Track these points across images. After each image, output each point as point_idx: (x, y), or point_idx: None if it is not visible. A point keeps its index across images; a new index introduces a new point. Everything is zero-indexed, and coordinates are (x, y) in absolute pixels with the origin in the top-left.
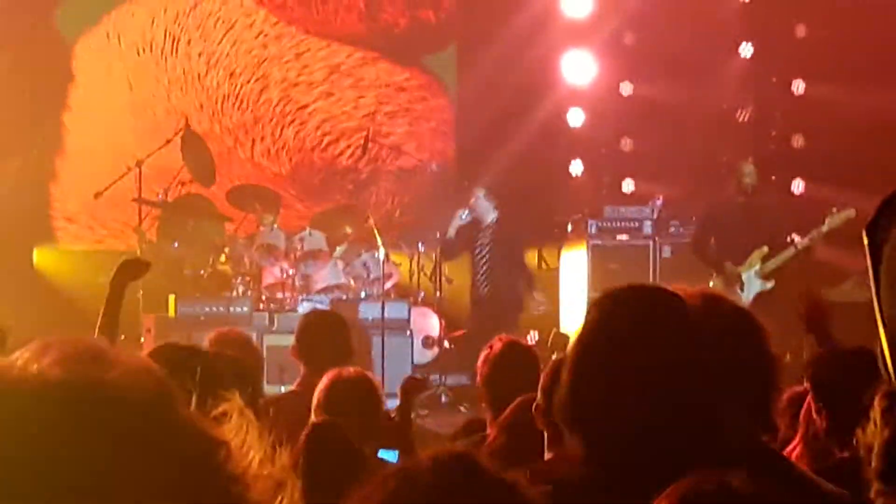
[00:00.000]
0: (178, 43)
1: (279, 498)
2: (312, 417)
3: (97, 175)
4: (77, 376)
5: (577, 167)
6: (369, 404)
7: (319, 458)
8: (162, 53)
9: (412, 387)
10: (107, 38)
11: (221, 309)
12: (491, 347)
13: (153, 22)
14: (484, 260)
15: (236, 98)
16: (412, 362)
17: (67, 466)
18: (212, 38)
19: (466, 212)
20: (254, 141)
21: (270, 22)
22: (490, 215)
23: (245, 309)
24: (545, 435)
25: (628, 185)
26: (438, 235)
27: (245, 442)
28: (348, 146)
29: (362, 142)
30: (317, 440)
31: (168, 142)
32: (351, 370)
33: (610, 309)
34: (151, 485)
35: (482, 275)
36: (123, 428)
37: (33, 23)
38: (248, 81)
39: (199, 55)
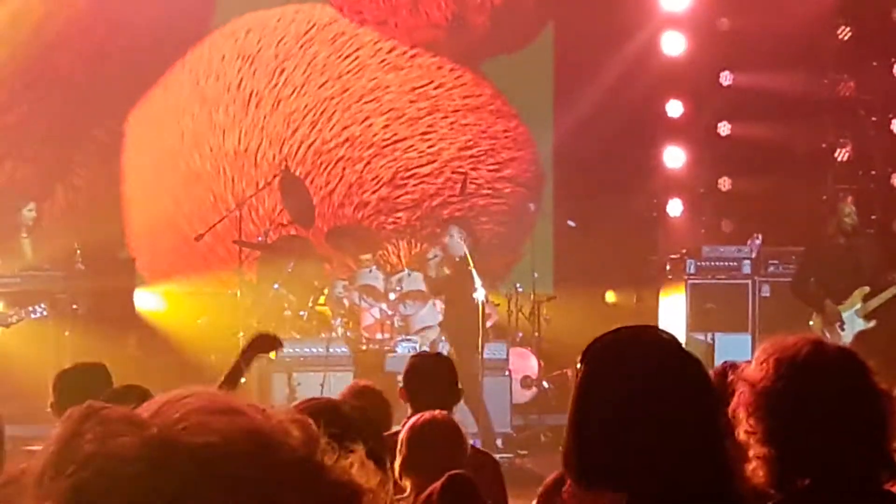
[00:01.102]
0: (279, 78)
1: None
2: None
3: (197, 217)
4: (240, 427)
5: (675, 207)
6: (453, 445)
7: None
8: (257, 94)
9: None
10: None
11: (321, 350)
12: None
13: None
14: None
15: (337, 135)
16: (511, 402)
17: None
18: (314, 76)
19: (438, 250)
20: (351, 180)
21: (376, 60)
22: (461, 251)
23: (344, 350)
24: None
25: (727, 225)
26: (536, 275)
27: (376, 490)
28: (444, 187)
29: (460, 184)
30: (453, 492)
31: (268, 184)
32: (435, 412)
33: (602, 354)
34: None
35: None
36: (285, 476)
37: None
38: (349, 120)
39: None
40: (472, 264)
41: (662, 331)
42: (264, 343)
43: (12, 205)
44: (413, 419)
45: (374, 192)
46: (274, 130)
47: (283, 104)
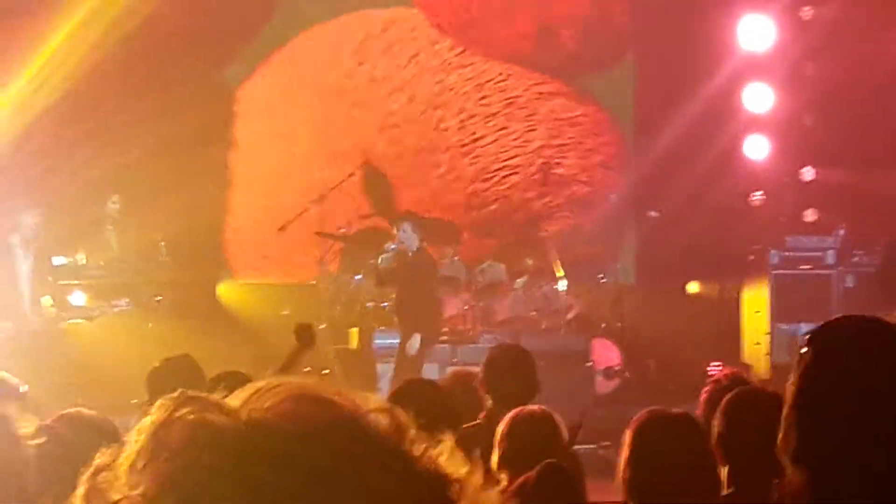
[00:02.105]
0: (360, 70)
1: None
2: (496, 450)
3: (279, 209)
4: (334, 414)
5: (757, 197)
6: (551, 440)
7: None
8: (341, 83)
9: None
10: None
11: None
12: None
13: (336, 50)
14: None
15: (415, 126)
16: (593, 393)
17: (330, 499)
18: (395, 65)
19: (394, 245)
20: (430, 169)
21: (454, 51)
22: (414, 245)
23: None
24: (726, 469)
25: (810, 215)
26: (618, 266)
27: (464, 479)
28: (523, 178)
29: (541, 174)
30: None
31: (350, 176)
32: (534, 407)
33: (834, 340)
34: None
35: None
36: (366, 466)
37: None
38: (428, 109)
39: (381, 81)
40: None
41: (885, 322)
42: (305, 335)
43: (98, 197)
44: (512, 413)
45: (461, 187)
46: (360, 126)
47: (371, 101)
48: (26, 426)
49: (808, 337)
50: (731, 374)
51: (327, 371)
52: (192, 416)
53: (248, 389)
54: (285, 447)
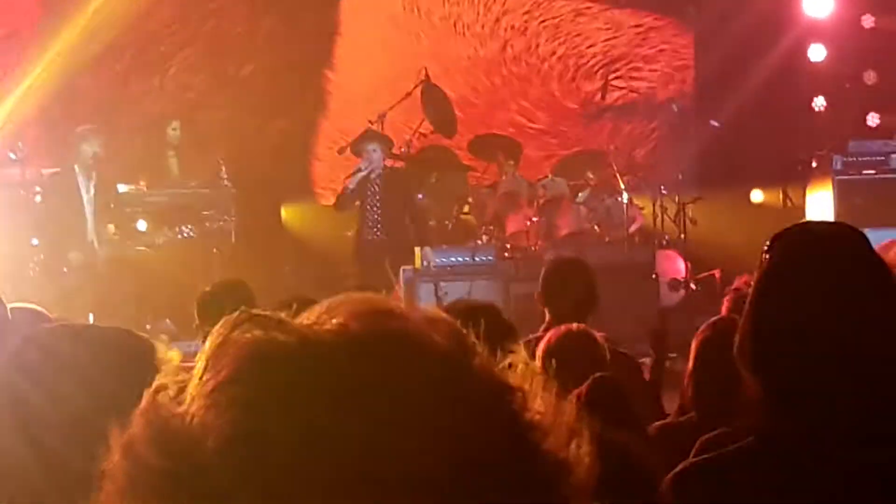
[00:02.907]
0: None
1: (572, 446)
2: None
3: (351, 130)
4: (378, 329)
5: (819, 102)
6: (591, 357)
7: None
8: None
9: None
10: None
11: (467, 259)
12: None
13: None
14: (375, 209)
15: (478, 38)
16: (658, 306)
17: (373, 414)
18: None
19: (365, 164)
20: (493, 84)
21: None
22: (378, 166)
23: (490, 258)
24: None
25: (873, 119)
26: (681, 177)
27: (534, 391)
28: (589, 90)
29: (602, 84)
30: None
31: (408, 94)
32: (572, 325)
33: (795, 243)
34: (450, 432)
35: (371, 223)
36: (425, 376)
37: None
38: (491, 21)
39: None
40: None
41: (853, 228)
42: None
43: (157, 123)
44: (549, 333)
45: (516, 99)
46: (420, 43)
47: (430, 16)
48: None
49: (768, 242)
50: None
51: (394, 291)
52: (250, 334)
53: (320, 307)
54: (334, 361)
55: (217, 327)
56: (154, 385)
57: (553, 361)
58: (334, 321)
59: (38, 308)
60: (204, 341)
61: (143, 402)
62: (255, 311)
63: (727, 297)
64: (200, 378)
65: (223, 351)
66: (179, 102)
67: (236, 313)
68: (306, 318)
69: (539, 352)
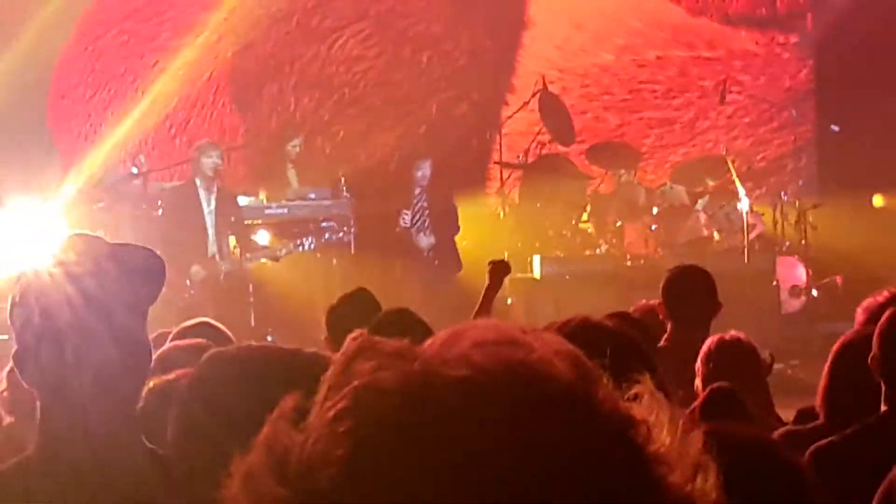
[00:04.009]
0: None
1: (698, 480)
2: (697, 380)
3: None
4: (501, 359)
5: None
6: (751, 368)
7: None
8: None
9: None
10: None
11: (586, 267)
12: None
13: None
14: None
15: (586, 51)
16: (780, 312)
17: (495, 448)
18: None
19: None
20: (603, 93)
21: None
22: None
23: (609, 266)
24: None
25: None
26: (801, 182)
27: (660, 423)
28: (701, 97)
29: (721, 89)
30: (714, 405)
31: (526, 104)
32: (732, 333)
33: None
34: (573, 465)
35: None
36: (547, 409)
37: None
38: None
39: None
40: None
41: None
42: (501, 269)
43: (280, 138)
44: (711, 340)
45: (634, 109)
46: (539, 49)
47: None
48: None
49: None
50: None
51: (511, 301)
52: (367, 364)
53: (443, 334)
54: (448, 394)
55: (340, 354)
56: (276, 411)
57: (711, 366)
58: (457, 351)
59: (218, 325)
60: (334, 353)
61: (265, 430)
62: (377, 338)
63: (863, 309)
64: (321, 405)
65: (344, 379)
66: (303, 117)
67: (360, 340)
68: (430, 345)
69: (701, 355)
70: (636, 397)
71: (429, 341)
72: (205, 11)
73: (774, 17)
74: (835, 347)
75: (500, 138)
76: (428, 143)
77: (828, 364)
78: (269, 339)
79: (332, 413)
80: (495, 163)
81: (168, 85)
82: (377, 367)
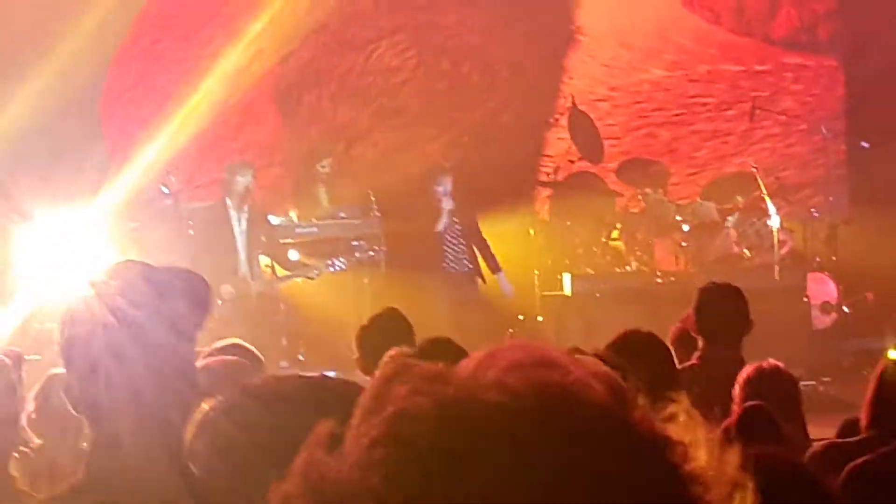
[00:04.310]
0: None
1: (735, 499)
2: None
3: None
4: (536, 382)
5: None
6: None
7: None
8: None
9: None
10: None
11: (616, 285)
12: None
13: None
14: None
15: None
16: (810, 329)
17: (531, 472)
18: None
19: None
20: (655, 109)
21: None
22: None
23: (639, 283)
24: None
25: None
26: (831, 199)
27: (696, 442)
28: (732, 112)
29: (750, 106)
30: (749, 424)
31: (556, 121)
32: (770, 361)
33: None
34: (610, 486)
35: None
36: (583, 432)
37: None
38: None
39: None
40: (763, 189)
41: None
42: None
43: (310, 158)
44: (748, 370)
45: (661, 125)
46: (585, 69)
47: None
48: None
49: None
50: None
51: (541, 318)
52: (402, 388)
53: (479, 355)
54: (480, 419)
55: (374, 379)
56: (312, 438)
57: (750, 392)
58: (492, 374)
59: (248, 346)
60: (366, 374)
61: (300, 458)
62: (413, 361)
63: None
64: (357, 431)
65: (379, 405)
66: (334, 134)
67: (394, 364)
68: (464, 367)
69: (738, 384)
70: (672, 417)
71: (463, 363)
72: (243, 21)
73: (813, 41)
74: (882, 362)
75: (542, 156)
76: (469, 154)
77: (874, 378)
78: (300, 357)
79: (367, 440)
80: (539, 183)
81: (204, 99)
82: (412, 391)
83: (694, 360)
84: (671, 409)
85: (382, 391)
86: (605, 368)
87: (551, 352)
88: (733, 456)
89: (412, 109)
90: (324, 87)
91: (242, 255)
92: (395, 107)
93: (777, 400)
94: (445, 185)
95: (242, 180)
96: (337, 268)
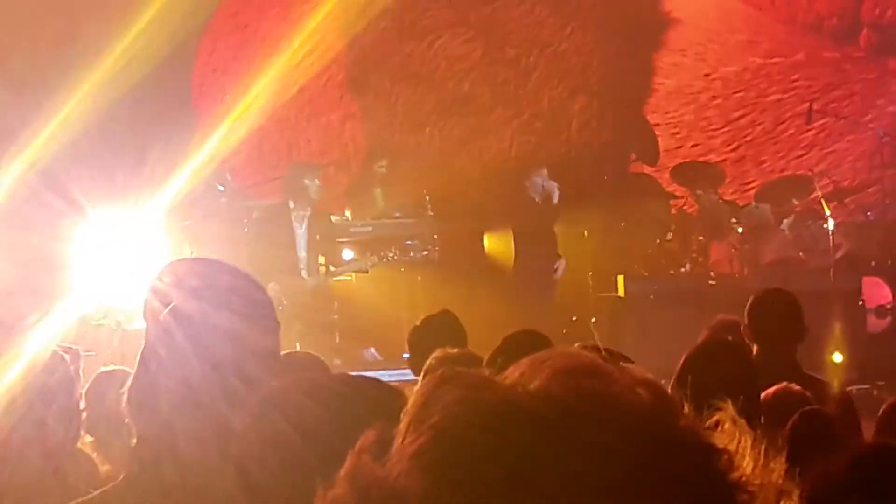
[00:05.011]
0: None
1: None
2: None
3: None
4: (580, 389)
5: None
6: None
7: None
8: None
9: None
10: None
11: (671, 287)
12: None
13: None
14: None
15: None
16: (866, 332)
17: (577, 481)
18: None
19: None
20: (690, 112)
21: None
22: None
23: (694, 285)
24: None
25: None
26: (887, 202)
27: (742, 450)
28: (792, 115)
29: (807, 109)
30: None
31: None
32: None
33: None
34: (655, 496)
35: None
36: (628, 440)
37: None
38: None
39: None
40: (819, 191)
41: None
42: None
43: (368, 161)
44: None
45: (718, 128)
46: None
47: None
48: None
49: None
50: None
51: (594, 319)
52: (448, 396)
53: (524, 363)
54: (529, 425)
55: (420, 385)
56: (359, 444)
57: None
58: (537, 382)
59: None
60: (417, 375)
61: (348, 464)
62: (459, 369)
63: None
64: (403, 439)
65: (426, 412)
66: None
67: (442, 371)
68: (510, 374)
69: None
70: (718, 425)
71: (510, 370)
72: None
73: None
74: None
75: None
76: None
77: None
78: (373, 350)
79: (413, 447)
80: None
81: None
82: (458, 399)
83: None
84: (717, 416)
85: (429, 399)
86: (650, 377)
87: (596, 360)
88: (779, 464)
89: (480, 96)
90: (388, 72)
91: (303, 254)
92: (461, 94)
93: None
94: (543, 180)
95: (310, 184)
96: (390, 258)
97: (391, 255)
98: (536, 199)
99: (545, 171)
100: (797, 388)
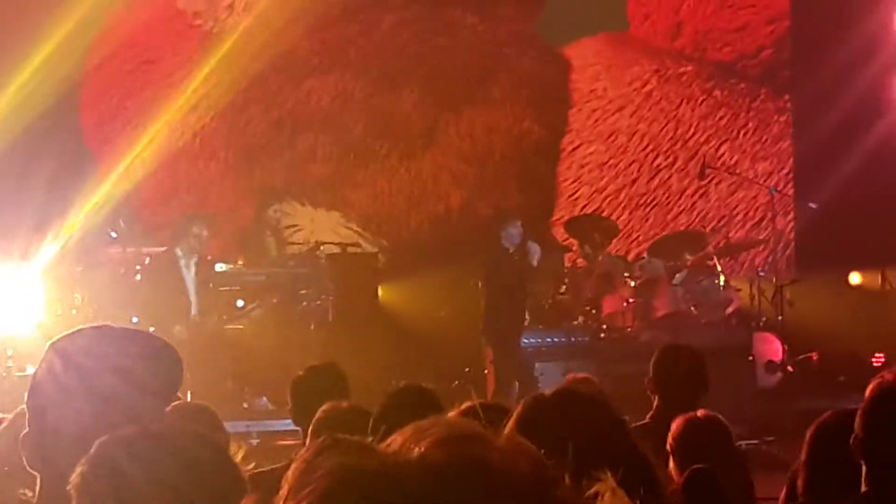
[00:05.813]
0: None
1: None
2: (671, 463)
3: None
4: (460, 458)
5: None
6: (722, 447)
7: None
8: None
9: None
10: None
11: (563, 339)
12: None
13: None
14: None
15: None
16: (756, 387)
17: None
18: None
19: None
20: (582, 167)
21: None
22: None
23: (587, 339)
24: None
25: None
26: (778, 259)
27: None
28: (680, 170)
29: (700, 165)
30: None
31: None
32: (702, 412)
33: None
34: None
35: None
36: None
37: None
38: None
39: None
40: (711, 247)
41: None
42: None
43: (261, 205)
44: (678, 422)
45: (613, 182)
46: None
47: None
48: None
49: None
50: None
51: (487, 371)
52: (330, 462)
53: (408, 430)
54: (411, 491)
55: (301, 452)
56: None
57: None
58: (418, 449)
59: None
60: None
61: None
62: (339, 436)
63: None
64: (286, 499)
65: (306, 479)
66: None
67: (322, 440)
68: (392, 443)
69: (671, 438)
70: (598, 494)
71: (394, 437)
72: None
73: (755, 90)
74: (812, 427)
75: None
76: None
77: (807, 443)
78: (265, 399)
79: None
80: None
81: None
82: (338, 467)
83: (647, 419)
84: (597, 486)
85: (309, 466)
86: (529, 445)
87: (478, 428)
88: None
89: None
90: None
91: (193, 301)
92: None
93: (712, 452)
94: (516, 229)
95: (199, 230)
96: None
97: (274, 300)
98: (511, 251)
99: (519, 223)
100: (702, 414)
